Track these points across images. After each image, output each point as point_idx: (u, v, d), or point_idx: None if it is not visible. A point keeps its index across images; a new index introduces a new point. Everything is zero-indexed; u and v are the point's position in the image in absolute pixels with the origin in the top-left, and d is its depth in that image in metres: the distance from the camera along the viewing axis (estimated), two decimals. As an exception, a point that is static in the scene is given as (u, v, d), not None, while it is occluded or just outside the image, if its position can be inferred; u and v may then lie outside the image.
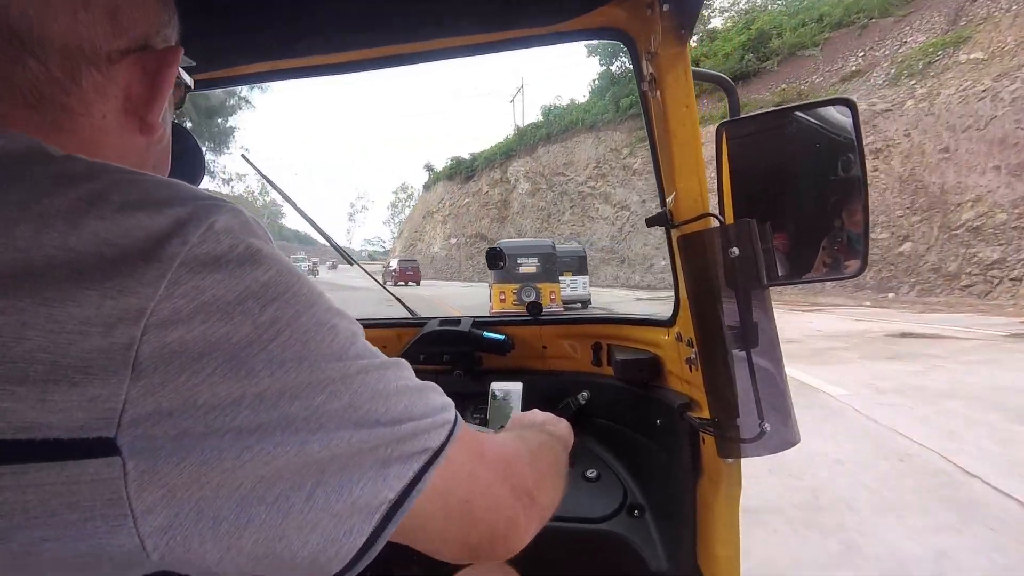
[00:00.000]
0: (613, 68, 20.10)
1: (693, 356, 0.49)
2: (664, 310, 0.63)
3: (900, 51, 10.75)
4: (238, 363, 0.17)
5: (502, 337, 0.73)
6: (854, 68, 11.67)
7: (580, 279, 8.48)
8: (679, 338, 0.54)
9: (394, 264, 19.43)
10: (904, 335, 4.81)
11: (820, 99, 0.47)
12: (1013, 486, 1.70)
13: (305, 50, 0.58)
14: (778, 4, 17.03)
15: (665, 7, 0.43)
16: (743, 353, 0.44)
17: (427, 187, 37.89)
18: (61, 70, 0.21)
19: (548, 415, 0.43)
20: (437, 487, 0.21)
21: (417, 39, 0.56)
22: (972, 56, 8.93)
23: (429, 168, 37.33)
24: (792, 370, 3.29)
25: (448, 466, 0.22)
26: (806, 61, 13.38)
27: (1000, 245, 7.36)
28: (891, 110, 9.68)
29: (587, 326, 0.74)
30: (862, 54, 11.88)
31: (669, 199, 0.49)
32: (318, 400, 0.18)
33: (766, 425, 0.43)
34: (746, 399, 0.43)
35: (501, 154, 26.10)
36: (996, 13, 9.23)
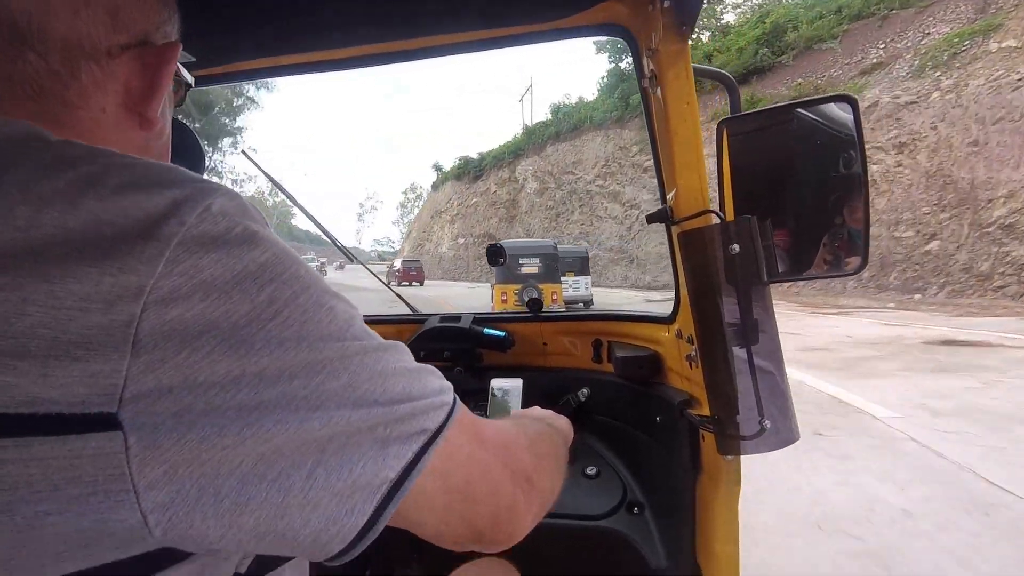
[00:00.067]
0: (622, 65, 20.24)
1: (693, 353, 0.51)
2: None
3: (923, 43, 10.62)
4: (237, 341, 0.17)
5: (502, 334, 0.75)
6: (875, 60, 11.56)
7: (582, 279, 8.68)
8: (679, 335, 0.56)
9: (398, 264, 20.54)
10: (946, 342, 4.51)
11: (821, 96, 0.49)
12: None
13: (305, 46, 0.60)
14: (794, -3, 16.92)
15: (666, 3, 0.45)
16: (743, 350, 0.45)
17: (435, 187, 38.63)
18: (61, 64, 0.22)
19: (548, 411, 0.44)
20: (437, 468, 0.22)
21: (418, 35, 0.59)
22: (1004, 45, 8.78)
23: (437, 168, 38.08)
24: (826, 384, 3.15)
25: (447, 447, 0.22)
26: (823, 54, 13.28)
27: (1035, 243, 7.24)
28: (916, 103, 9.56)
29: (587, 323, 0.76)
30: (883, 46, 11.77)
31: (670, 196, 0.51)
32: (317, 379, 0.19)
33: (766, 422, 0.45)
34: (746, 396, 0.45)
35: (509, 153, 26.53)
36: (1030, -2, 9.09)
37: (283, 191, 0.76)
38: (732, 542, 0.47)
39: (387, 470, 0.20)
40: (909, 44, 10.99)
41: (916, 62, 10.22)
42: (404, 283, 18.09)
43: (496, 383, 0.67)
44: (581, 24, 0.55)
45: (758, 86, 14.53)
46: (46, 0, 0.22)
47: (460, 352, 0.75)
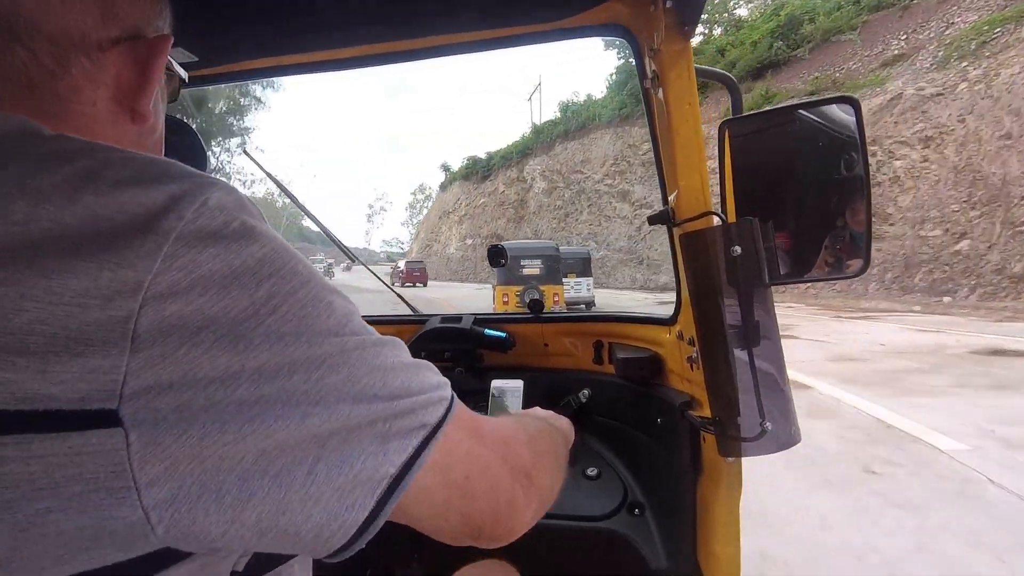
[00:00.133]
0: (631, 61, 20.23)
1: (694, 355, 0.53)
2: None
3: (947, 32, 10.50)
4: (236, 336, 0.18)
5: (503, 334, 0.78)
6: (896, 52, 11.46)
7: (584, 281, 8.89)
8: (680, 336, 0.58)
9: (401, 265, 21.65)
10: (996, 352, 4.12)
11: (823, 97, 0.50)
12: None
13: (306, 46, 0.63)
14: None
15: (668, 3, 0.47)
16: (744, 352, 0.47)
17: (443, 187, 39.36)
18: (50, 58, 0.23)
19: (549, 412, 0.46)
20: (436, 463, 0.23)
21: (419, 35, 0.61)
22: (1039, 32, 8.65)
23: (445, 168, 38.83)
24: (868, 403, 2.86)
25: (446, 442, 0.23)
26: (842, 47, 13.20)
27: (1073, 243, 7.11)
28: (942, 94, 9.44)
29: (588, 324, 0.78)
30: (904, 37, 11.66)
31: (671, 197, 0.53)
32: (317, 374, 0.19)
33: (767, 424, 0.46)
34: (747, 398, 0.47)
35: (517, 152, 26.94)
36: (1067, -16, 8.95)
37: (285, 191, 0.80)
38: (733, 543, 0.49)
39: (387, 465, 0.21)
40: (932, 35, 10.89)
41: (940, 53, 10.11)
42: (408, 284, 19.11)
43: (497, 384, 0.70)
44: (583, 24, 0.57)
45: (773, 81, 14.48)
46: None
47: (461, 353, 0.78)
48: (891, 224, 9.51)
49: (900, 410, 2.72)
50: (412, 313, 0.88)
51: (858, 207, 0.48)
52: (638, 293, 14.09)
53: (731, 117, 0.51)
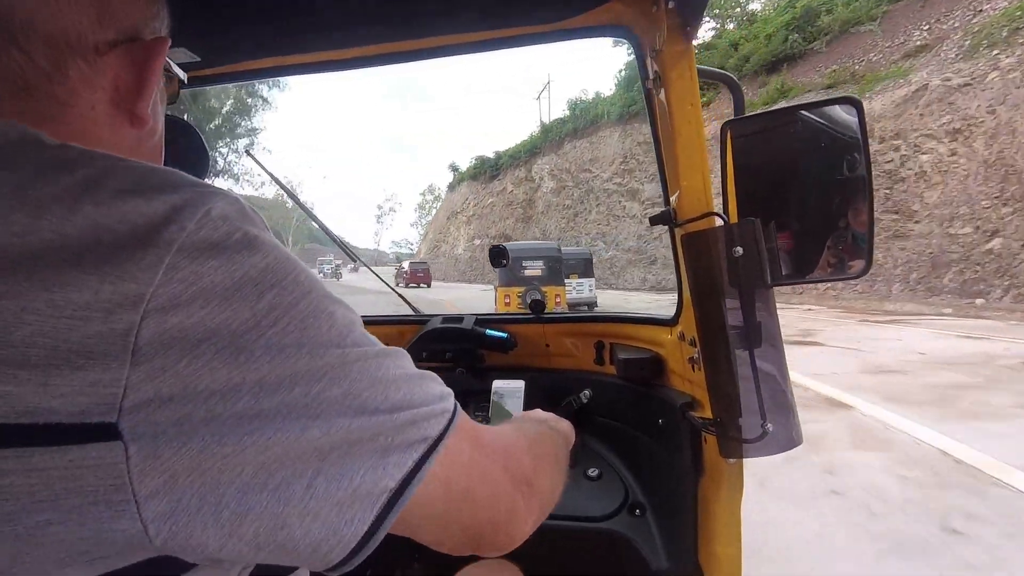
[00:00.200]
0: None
1: (696, 355, 0.55)
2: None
3: (974, 21, 10.36)
4: (237, 349, 0.18)
5: (504, 335, 0.81)
6: (919, 43, 11.33)
7: (586, 282, 9.15)
8: (682, 337, 0.61)
9: (406, 266, 23.14)
10: None
11: (825, 98, 0.52)
12: None
13: (309, 46, 0.65)
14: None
15: (670, 4, 0.48)
16: (746, 353, 0.49)
17: (452, 187, 40.32)
18: (46, 60, 0.23)
19: (549, 414, 0.48)
20: (438, 476, 0.23)
21: (422, 36, 0.64)
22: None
23: (454, 168, 39.79)
24: (925, 429, 2.46)
25: (447, 455, 0.24)
26: (861, 38, 13.11)
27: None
28: (971, 84, 9.31)
29: (590, 324, 0.81)
30: (927, 27, 11.55)
31: (673, 197, 0.55)
32: (318, 387, 0.20)
33: (769, 426, 0.48)
34: (748, 399, 0.49)
35: (526, 152, 27.48)
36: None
37: (288, 192, 0.83)
38: (734, 544, 0.51)
39: (387, 479, 0.21)
40: (957, 24, 10.76)
41: (968, 41, 9.98)
42: (412, 285, 20.49)
43: (498, 384, 0.73)
44: (585, 25, 0.60)
45: (789, 75, 14.41)
46: None
47: (462, 353, 0.81)
48: (917, 222, 9.39)
49: (968, 439, 2.28)
50: (414, 313, 0.91)
51: (860, 208, 0.49)
52: (648, 295, 14.02)
53: (733, 118, 0.53)
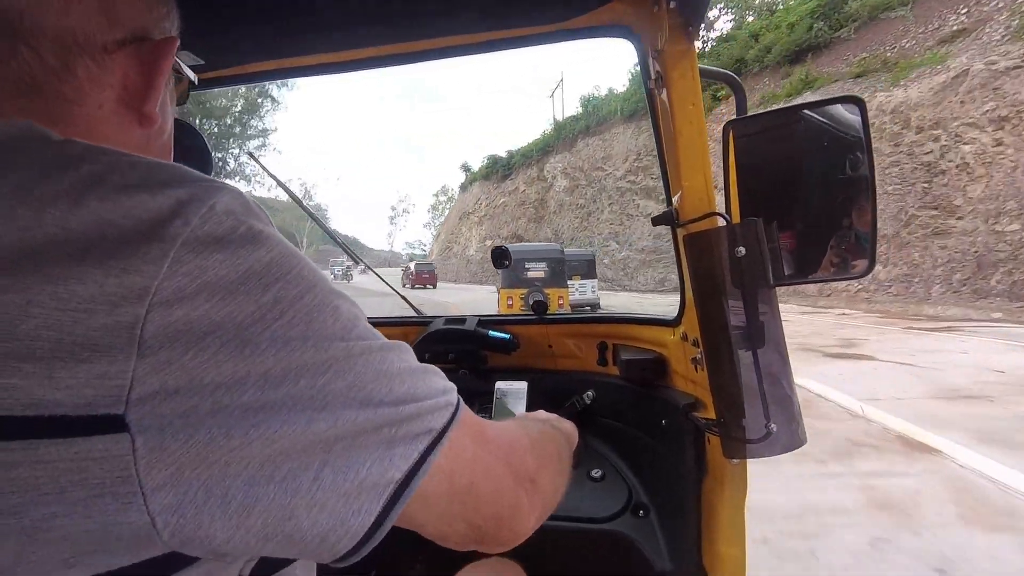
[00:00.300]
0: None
1: (699, 356, 0.58)
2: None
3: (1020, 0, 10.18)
4: (242, 342, 0.20)
5: (507, 336, 0.85)
6: (956, 27, 11.15)
7: (589, 283, 9.51)
8: (685, 338, 0.64)
9: (412, 267, 24.65)
10: None
11: (828, 97, 0.56)
12: None
13: (312, 48, 0.70)
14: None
15: (672, 4, 0.52)
16: (749, 353, 0.52)
17: (464, 188, 41.71)
18: (55, 59, 0.24)
19: (552, 415, 0.51)
20: (442, 468, 0.25)
21: (424, 37, 0.68)
22: None
23: (466, 168, 41.10)
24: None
25: (451, 448, 0.25)
26: (892, 24, 12.98)
27: None
28: (1020, 67, 9.12)
29: (593, 325, 0.85)
30: (965, 11, 11.36)
31: (675, 198, 0.59)
32: (323, 379, 0.21)
33: (772, 426, 0.51)
34: (752, 400, 0.52)
35: (538, 150, 28.20)
36: None
37: (289, 193, 0.88)
38: (738, 545, 0.54)
39: (393, 470, 0.22)
40: (1001, 4, 10.56)
41: (1015, 22, 9.78)
42: (417, 286, 21.87)
43: (501, 385, 0.77)
44: (586, 25, 0.64)
45: (814, 65, 14.32)
46: None
47: (465, 354, 0.85)
48: (959, 218, 9.22)
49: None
50: (417, 315, 0.96)
51: (864, 207, 0.52)
52: (664, 296, 13.90)
53: (735, 117, 0.57)
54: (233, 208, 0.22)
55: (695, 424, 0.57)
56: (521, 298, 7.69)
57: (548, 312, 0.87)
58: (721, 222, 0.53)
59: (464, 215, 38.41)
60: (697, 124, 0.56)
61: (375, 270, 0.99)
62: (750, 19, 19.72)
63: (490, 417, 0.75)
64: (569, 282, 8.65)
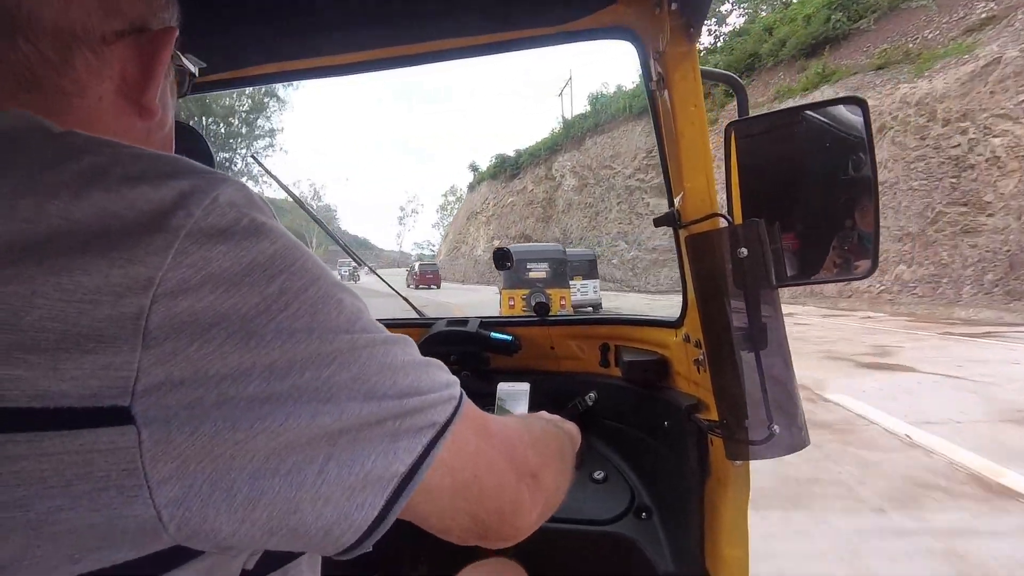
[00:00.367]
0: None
1: (701, 357, 0.60)
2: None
3: None
4: (248, 333, 0.20)
5: (509, 337, 0.88)
6: (984, 15, 11.00)
7: (590, 283, 9.88)
8: (687, 339, 0.66)
9: (416, 268, 26.03)
10: None
11: (830, 98, 0.58)
12: None
13: (313, 50, 0.73)
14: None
15: (673, 6, 0.55)
16: (751, 355, 0.54)
17: (472, 187, 42.56)
18: (53, 51, 0.25)
19: (555, 416, 0.53)
20: (445, 462, 0.26)
21: (425, 39, 0.72)
22: None
23: (474, 168, 42.00)
24: None
25: (455, 441, 0.26)
26: (913, 14, 12.88)
27: None
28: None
29: (595, 327, 0.87)
30: None
31: (677, 199, 0.61)
32: (328, 371, 0.22)
33: (775, 427, 0.53)
34: (755, 401, 0.54)
35: (546, 149, 28.74)
36: None
37: (292, 196, 0.92)
38: (741, 547, 0.56)
39: (397, 463, 0.23)
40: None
41: (1051, 7, 9.64)
42: (422, 286, 23.13)
43: (503, 387, 0.79)
44: (588, 27, 0.66)
45: (831, 57, 14.25)
46: None
47: (467, 356, 0.88)
48: (989, 215, 9.08)
49: None
50: (419, 316, 0.99)
51: (866, 208, 0.54)
52: (676, 297, 13.78)
53: (737, 119, 0.59)
54: (236, 200, 0.22)
55: (698, 425, 0.59)
56: (523, 299, 7.89)
57: (550, 313, 0.90)
58: (723, 223, 0.55)
59: (472, 215, 39.13)
60: (699, 125, 0.58)
61: (377, 272, 1.02)
62: (763, 13, 19.73)
63: None
64: (571, 282, 8.87)
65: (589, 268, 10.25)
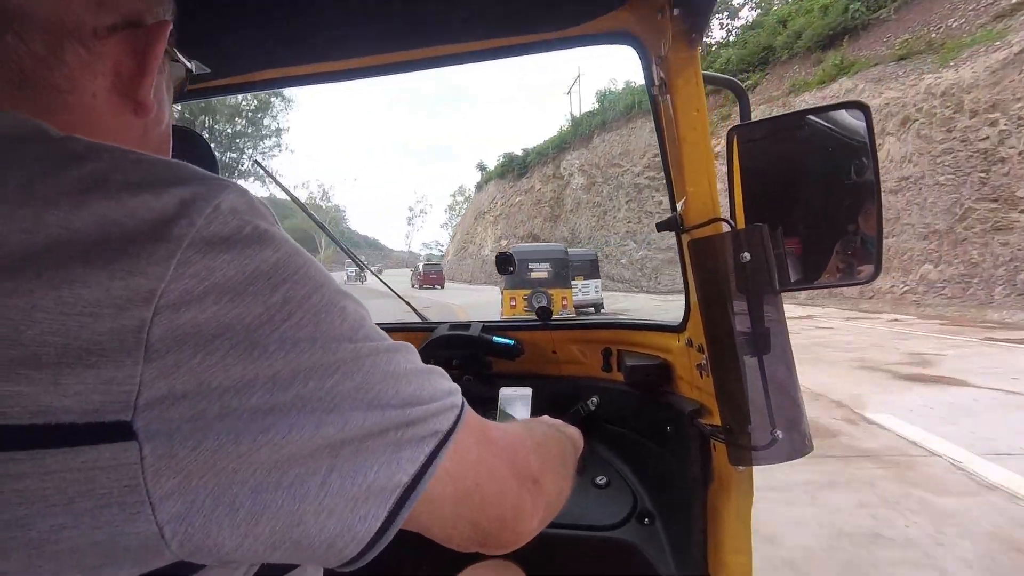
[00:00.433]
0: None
1: (704, 362, 0.63)
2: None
3: None
4: (251, 344, 0.21)
5: (511, 342, 0.91)
6: (1015, 0, 10.84)
7: (592, 283, 10.20)
8: (690, 344, 0.69)
9: (420, 268, 27.45)
10: None
11: (833, 103, 0.60)
12: None
13: (317, 56, 0.76)
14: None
15: (675, 11, 0.57)
16: (754, 359, 0.57)
17: (479, 187, 43.47)
18: (43, 46, 0.25)
19: (557, 420, 0.55)
20: (448, 471, 0.26)
21: (429, 44, 0.75)
22: None
23: (481, 167, 43.04)
24: None
25: (457, 450, 0.27)
26: (936, 2, 12.76)
27: None
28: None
29: (597, 331, 0.90)
30: None
31: (679, 203, 0.64)
32: (331, 380, 0.22)
33: (778, 433, 0.56)
34: (757, 406, 0.56)
35: (554, 147, 29.30)
36: None
37: (294, 199, 0.95)
38: (744, 552, 0.58)
39: (400, 474, 0.24)
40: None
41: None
42: (425, 286, 23.55)
43: (505, 391, 0.82)
44: (591, 32, 0.69)
45: (850, 49, 14.16)
46: None
47: (469, 360, 0.91)
48: (1022, 211, 8.95)
49: None
50: (421, 320, 1.02)
51: (869, 212, 0.56)
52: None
53: (740, 123, 0.61)
54: (238, 207, 0.23)
55: (700, 431, 0.61)
56: (524, 299, 8.03)
57: (552, 314, 0.93)
58: (726, 228, 0.57)
59: (480, 215, 39.82)
60: (701, 130, 0.60)
61: (380, 276, 1.06)
62: (776, 5, 19.71)
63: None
64: (572, 282, 9.07)
65: (590, 268, 10.53)
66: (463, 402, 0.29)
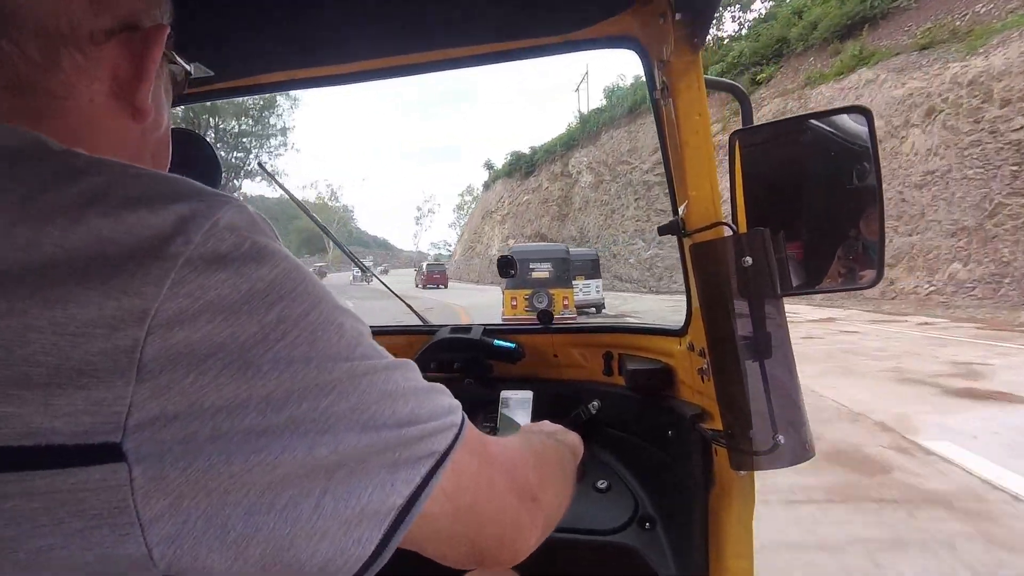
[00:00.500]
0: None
1: (705, 366, 0.65)
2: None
3: None
4: (244, 364, 0.21)
5: (512, 345, 0.94)
6: None
7: (593, 283, 10.42)
8: (691, 348, 0.71)
9: (424, 268, 28.44)
10: None
11: (835, 107, 0.62)
12: None
13: (321, 60, 0.79)
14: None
15: (678, 16, 0.59)
16: (756, 364, 0.59)
17: (487, 186, 44.52)
18: (38, 52, 0.25)
19: (558, 426, 0.56)
20: (445, 490, 0.27)
21: (432, 48, 0.78)
22: None
23: (489, 166, 43.75)
24: None
25: (455, 469, 0.27)
26: None
27: None
28: None
29: (598, 335, 0.93)
30: None
31: (681, 207, 0.66)
32: (326, 401, 0.23)
33: (780, 437, 0.58)
34: (759, 411, 0.59)
35: (562, 145, 29.81)
36: None
37: (297, 202, 0.99)
38: (746, 557, 0.60)
39: (395, 496, 0.24)
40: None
41: None
42: (429, 286, 25.41)
43: (506, 395, 0.85)
44: (593, 37, 0.72)
45: (870, 38, 14.06)
46: None
47: (470, 363, 0.94)
48: (1056, 207, 8.82)
49: None
50: (422, 323, 1.06)
51: (871, 216, 0.59)
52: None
53: (741, 127, 0.64)
54: (237, 223, 0.23)
55: (702, 435, 0.64)
56: (525, 299, 8.19)
57: (553, 318, 0.96)
58: (728, 232, 0.60)
59: (487, 214, 40.48)
60: (703, 134, 0.63)
61: (382, 279, 1.10)
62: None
63: (495, 426, 0.84)
64: (573, 282, 9.21)
65: (591, 268, 10.71)
66: (463, 419, 0.30)
